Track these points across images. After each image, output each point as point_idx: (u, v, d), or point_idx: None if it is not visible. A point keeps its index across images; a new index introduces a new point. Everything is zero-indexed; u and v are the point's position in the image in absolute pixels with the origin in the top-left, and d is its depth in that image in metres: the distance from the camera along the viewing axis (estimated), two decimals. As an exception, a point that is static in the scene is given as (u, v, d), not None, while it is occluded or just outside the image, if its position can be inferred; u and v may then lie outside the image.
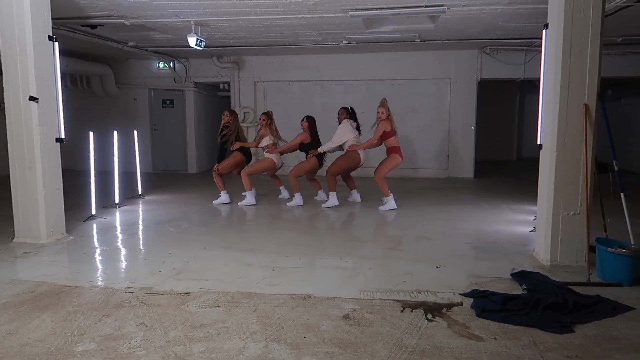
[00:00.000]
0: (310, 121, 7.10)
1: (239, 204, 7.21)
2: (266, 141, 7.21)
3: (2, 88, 4.94)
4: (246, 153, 7.42)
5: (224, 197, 7.36)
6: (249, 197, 7.19)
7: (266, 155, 7.24)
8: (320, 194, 7.47)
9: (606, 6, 4.58)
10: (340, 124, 6.99)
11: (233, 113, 7.40)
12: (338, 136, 6.88)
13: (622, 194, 4.18)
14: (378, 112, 6.76)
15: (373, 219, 6.36)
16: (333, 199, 6.97)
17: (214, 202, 7.36)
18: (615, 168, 4.29)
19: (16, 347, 2.79)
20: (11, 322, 3.13)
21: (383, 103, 6.77)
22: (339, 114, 7.12)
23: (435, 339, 2.89)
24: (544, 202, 4.41)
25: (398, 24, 7.56)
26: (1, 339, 2.89)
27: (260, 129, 7.36)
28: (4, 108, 5.00)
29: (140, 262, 4.53)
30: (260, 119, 7.33)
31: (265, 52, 10.11)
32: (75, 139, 8.22)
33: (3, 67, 4.92)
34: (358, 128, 7.03)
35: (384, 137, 6.75)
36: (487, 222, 6.12)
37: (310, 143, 7.08)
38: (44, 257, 4.57)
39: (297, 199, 7.06)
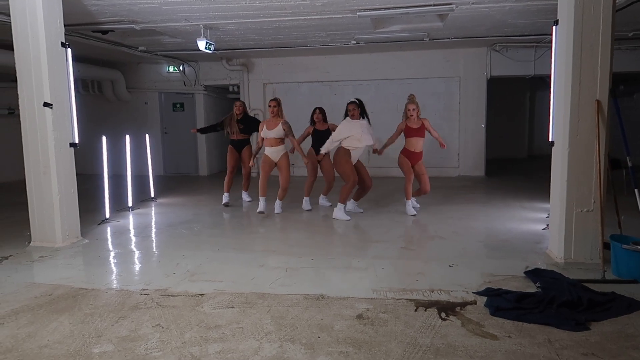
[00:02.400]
0: (324, 113, 6.95)
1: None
2: (278, 133, 6.41)
3: (17, 95, 5.02)
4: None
5: (245, 196, 7.62)
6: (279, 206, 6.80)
7: (280, 150, 6.51)
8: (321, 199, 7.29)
9: (617, 0, 4.54)
10: (353, 119, 6.26)
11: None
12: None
13: (636, 190, 4.13)
14: (410, 110, 6.35)
15: (384, 219, 6.35)
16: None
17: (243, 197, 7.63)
18: (629, 164, 4.25)
19: (35, 349, 2.84)
20: (30, 324, 3.19)
21: (413, 99, 6.44)
22: (350, 109, 6.30)
23: (450, 338, 2.89)
24: (556, 199, 4.38)
25: (406, 23, 7.55)
26: (21, 341, 2.94)
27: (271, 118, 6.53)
28: (18, 114, 5.07)
29: (154, 264, 4.58)
30: (270, 105, 6.50)
31: (274, 53, 10.14)
32: (88, 143, 8.29)
33: (18, 74, 4.99)
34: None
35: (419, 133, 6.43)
36: (500, 221, 6.09)
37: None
38: (60, 261, 4.64)
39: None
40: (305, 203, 7.00)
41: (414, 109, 6.35)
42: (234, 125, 7.25)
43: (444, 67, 10.16)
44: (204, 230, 5.93)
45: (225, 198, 7.39)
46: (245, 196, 7.68)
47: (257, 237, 5.61)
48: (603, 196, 4.12)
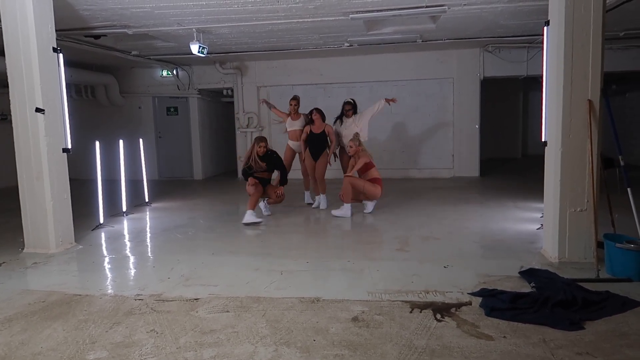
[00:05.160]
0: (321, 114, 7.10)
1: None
2: (298, 124, 7.25)
3: (9, 100, 4.99)
4: None
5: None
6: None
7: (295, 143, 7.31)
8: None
9: (607, 1, 4.57)
10: (349, 118, 7.12)
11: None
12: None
13: (629, 189, 4.16)
14: (352, 146, 6.58)
15: (378, 221, 6.35)
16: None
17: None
18: (622, 163, 4.27)
19: (29, 356, 2.82)
20: (23, 331, 3.16)
21: (355, 137, 6.65)
22: (346, 109, 7.17)
23: (445, 339, 2.89)
24: (550, 199, 4.40)
25: (399, 25, 7.58)
26: (14, 349, 2.92)
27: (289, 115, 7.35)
28: (10, 120, 5.04)
29: (149, 269, 4.56)
30: (291, 104, 7.30)
31: (267, 57, 10.14)
32: (82, 148, 8.26)
33: (9, 80, 4.97)
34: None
35: (365, 168, 6.58)
36: (494, 221, 6.10)
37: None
38: (53, 267, 4.61)
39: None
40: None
41: (350, 146, 6.60)
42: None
43: (437, 68, 10.20)
44: (199, 235, 5.91)
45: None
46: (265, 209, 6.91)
47: (252, 241, 5.60)
48: (596, 195, 4.14)
